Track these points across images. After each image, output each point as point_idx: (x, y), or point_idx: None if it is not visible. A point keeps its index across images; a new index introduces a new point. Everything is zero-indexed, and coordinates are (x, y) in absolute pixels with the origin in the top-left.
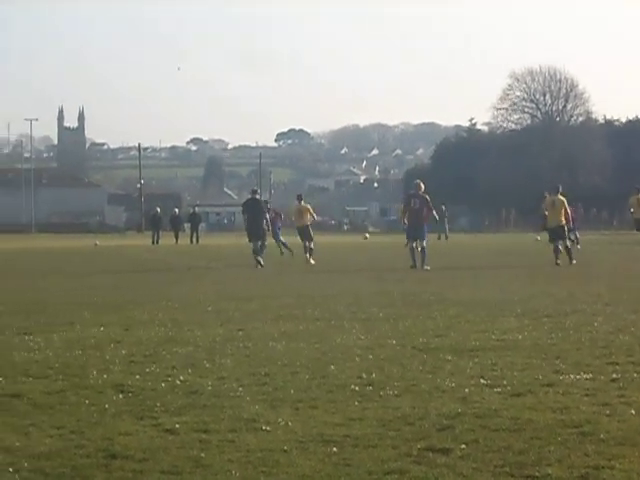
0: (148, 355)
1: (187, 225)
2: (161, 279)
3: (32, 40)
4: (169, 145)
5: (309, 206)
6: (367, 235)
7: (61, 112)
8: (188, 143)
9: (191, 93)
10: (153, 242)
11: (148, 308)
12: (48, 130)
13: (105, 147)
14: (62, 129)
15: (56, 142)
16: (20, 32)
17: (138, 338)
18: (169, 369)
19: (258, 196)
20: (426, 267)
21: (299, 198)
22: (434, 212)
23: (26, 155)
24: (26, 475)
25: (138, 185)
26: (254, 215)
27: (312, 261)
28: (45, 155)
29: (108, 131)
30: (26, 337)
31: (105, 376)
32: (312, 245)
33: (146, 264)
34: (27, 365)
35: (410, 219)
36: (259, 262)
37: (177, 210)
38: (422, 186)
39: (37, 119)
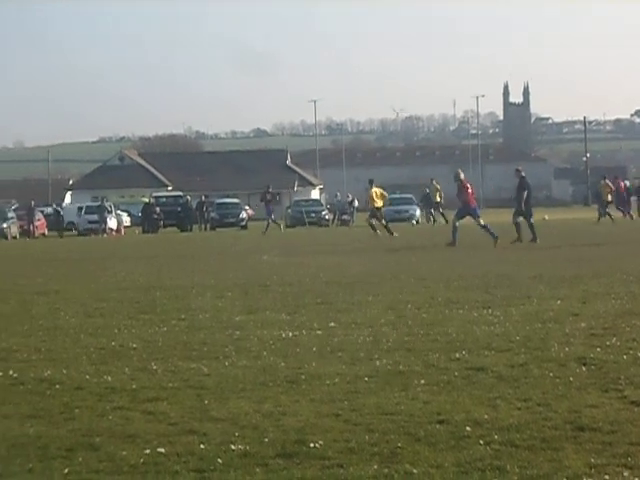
0: (607, 328)
1: (633, 199)
2: (614, 252)
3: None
4: (613, 118)
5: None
6: None
7: (506, 88)
8: (632, 115)
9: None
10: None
11: (603, 281)
12: (493, 106)
13: (550, 121)
14: (507, 104)
15: (501, 118)
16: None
17: (596, 311)
18: (629, 342)
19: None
20: None
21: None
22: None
23: (472, 131)
24: (497, 447)
25: (584, 158)
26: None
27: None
28: (491, 131)
29: (553, 105)
30: (485, 311)
31: (566, 349)
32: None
33: (597, 237)
34: (489, 338)
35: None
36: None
37: (627, 182)
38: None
39: (483, 95)
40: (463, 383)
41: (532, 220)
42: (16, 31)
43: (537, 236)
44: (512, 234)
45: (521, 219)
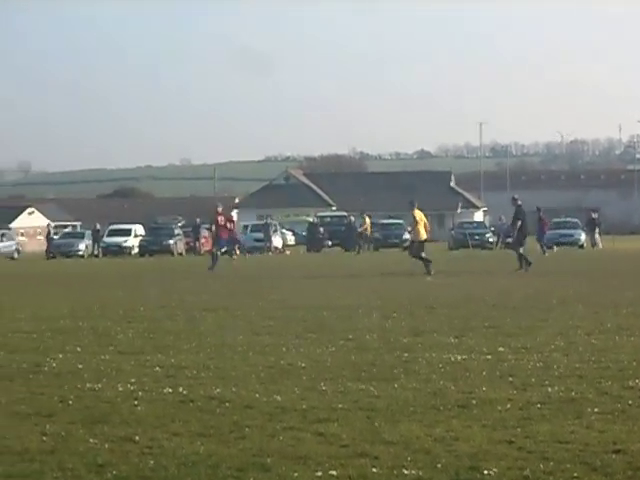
0: None
1: None
2: None
3: None
4: None
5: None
6: None
7: None
8: None
9: None
10: None
11: None
12: None
13: None
14: None
15: None
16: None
17: None
18: None
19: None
20: None
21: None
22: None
23: (638, 156)
24: None
25: None
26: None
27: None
28: None
29: None
30: None
31: None
32: None
33: None
34: None
35: None
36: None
37: None
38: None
39: None
40: (638, 412)
41: (522, 250)
42: (180, 46)
43: (523, 266)
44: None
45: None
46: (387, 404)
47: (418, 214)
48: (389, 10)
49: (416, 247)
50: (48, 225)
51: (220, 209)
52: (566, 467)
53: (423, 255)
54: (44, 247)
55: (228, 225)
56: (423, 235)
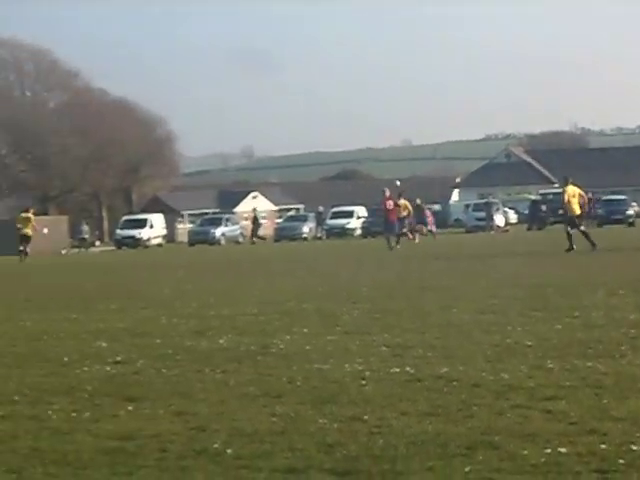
0: None
1: None
2: None
3: None
4: None
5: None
6: None
7: None
8: None
9: None
10: None
11: None
12: None
13: None
14: None
15: None
16: None
17: None
18: None
19: None
20: None
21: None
22: None
23: None
24: None
25: None
26: None
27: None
28: None
29: None
30: None
31: None
32: None
33: None
34: None
35: None
36: None
37: None
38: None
39: None
40: None
41: None
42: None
43: None
44: None
45: None
46: (615, 381)
47: (571, 190)
48: None
49: (572, 222)
50: (254, 210)
51: (388, 193)
52: None
53: (582, 229)
54: (267, 231)
55: (398, 209)
56: (577, 210)
